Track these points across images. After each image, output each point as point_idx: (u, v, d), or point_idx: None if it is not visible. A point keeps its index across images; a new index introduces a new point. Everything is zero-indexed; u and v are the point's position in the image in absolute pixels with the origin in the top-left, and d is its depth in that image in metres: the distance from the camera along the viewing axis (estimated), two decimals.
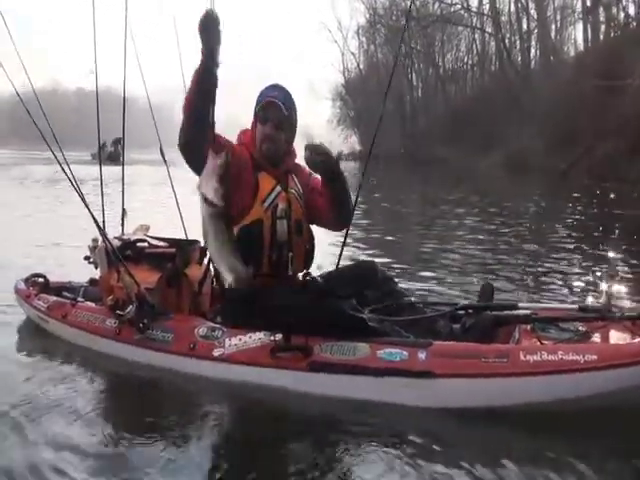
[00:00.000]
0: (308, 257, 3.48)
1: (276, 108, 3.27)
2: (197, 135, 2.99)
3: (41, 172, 22.45)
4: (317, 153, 3.14)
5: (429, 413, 2.88)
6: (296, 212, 3.37)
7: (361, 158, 49.11)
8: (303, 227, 3.42)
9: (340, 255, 3.18)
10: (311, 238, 3.49)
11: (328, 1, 71.42)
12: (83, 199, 3.70)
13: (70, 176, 3.77)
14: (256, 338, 3.17)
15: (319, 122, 62.39)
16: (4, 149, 58.43)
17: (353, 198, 3.36)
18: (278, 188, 3.33)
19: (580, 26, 35.35)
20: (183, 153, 3.05)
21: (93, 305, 3.88)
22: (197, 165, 2.96)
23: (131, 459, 2.59)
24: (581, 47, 35.56)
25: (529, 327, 3.23)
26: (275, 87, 3.38)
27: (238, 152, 3.24)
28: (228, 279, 2.91)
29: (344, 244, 3.20)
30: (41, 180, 20.05)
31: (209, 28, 2.80)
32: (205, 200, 2.79)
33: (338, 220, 3.45)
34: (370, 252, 7.64)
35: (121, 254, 3.62)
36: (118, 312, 3.51)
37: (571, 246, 8.60)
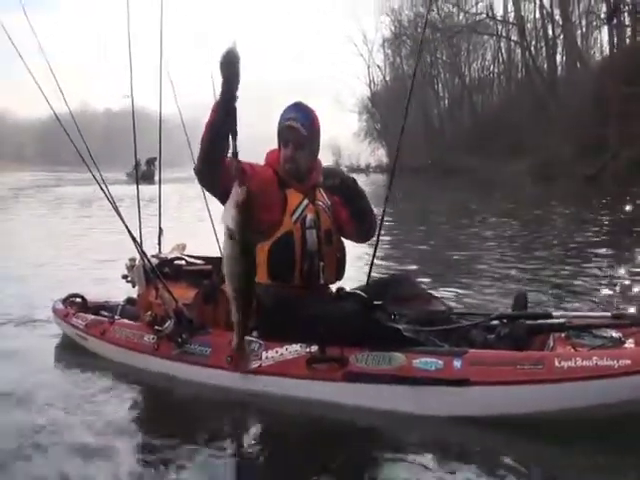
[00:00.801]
0: (339, 266, 3.53)
1: (295, 131, 3.35)
2: (211, 165, 3.08)
3: (73, 193, 22.90)
4: (332, 177, 3.24)
5: (465, 421, 2.89)
6: (325, 222, 3.43)
7: (388, 170, 49.13)
8: (333, 237, 3.47)
9: (371, 266, 3.23)
10: (341, 247, 3.55)
11: (353, 15, 70.87)
12: (122, 219, 3.79)
13: (109, 196, 3.87)
14: (292, 350, 3.21)
15: (346, 134, 62.71)
16: (34, 171, 59.53)
17: (377, 211, 3.43)
18: (306, 201, 3.40)
19: (606, 30, 35.02)
20: (198, 179, 3.16)
21: (131, 322, 3.96)
22: (212, 191, 3.16)
23: (170, 470, 2.66)
24: (607, 51, 35.22)
25: (563, 335, 3.23)
26: (295, 107, 3.44)
27: (261, 174, 3.32)
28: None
29: (374, 256, 3.25)
30: (74, 200, 20.42)
31: (230, 65, 2.82)
32: (227, 228, 2.83)
33: (360, 233, 3.55)
34: (401, 263, 7.69)
35: (159, 272, 3.70)
36: (157, 327, 3.58)
37: (602, 252, 8.53)
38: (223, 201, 2.94)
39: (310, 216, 3.37)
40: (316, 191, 3.49)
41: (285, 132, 3.39)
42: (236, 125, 2.91)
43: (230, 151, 2.94)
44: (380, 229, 3.48)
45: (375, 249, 3.29)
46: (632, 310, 3.40)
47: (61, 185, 32.61)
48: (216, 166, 3.07)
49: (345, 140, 61.21)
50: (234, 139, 2.92)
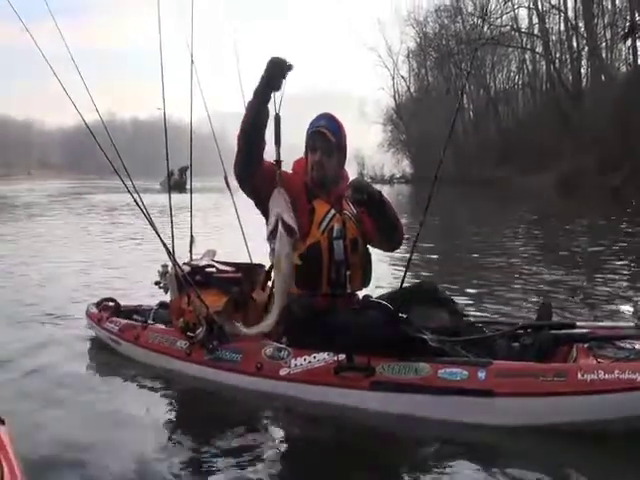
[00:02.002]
0: (365, 274, 3.60)
1: (324, 136, 3.45)
2: (250, 161, 3.27)
3: (107, 200, 23.14)
4: (360, 192, 3.30)
5: (489, 431, 2.94)
6: (351, 231, 3.50)
7: (413, 181, 49.11)
8: (359, 245, 3.54)
9: (404, 277, 3.29)
10: (367, 255, 3.62)
11: (376, 26, 71.01)
12: (154, 228, 3.89)
13: (141, 206, 3.96)
14: (320, 358, 3.28)
15: (370, 146, 62.69)
16: (61, 180, 60.21)
17: (410, 220, 3.50)
18: (332, 211, 3.48)
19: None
20: (238, 178, 3.35)
21: (163, 327, 4.06)
22: (249, 188, 3.34)
23: (199, 472, 2.74)
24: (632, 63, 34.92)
25: (586, 346, 3.26)
26: (323, 116, 3.56)
27: (291, 183, 3.39)
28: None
29: (407, 267, 3.31)
30: (107, 208, 20.68)
31: (279, 66, 3.07)
32: (290, 230, 2.97)
33: (385, 242, 3.63)
34: (427, 272, 7.71)
35: (191, 279, 3.79)
36: (189, 334, 3.68)
37: (626, 263, 8.53)
38: (255, 200, 3.32)
39: (337, 226, 3.45)
40: (342, 201, 3.56)
41: (314, 138, 3.49)
42: (280, 132, 3.13)
43: (274, 158, 3.19)
44: (416, 240, 3.44)
45: (409, 261, 3.35)
46: None
47: (93, 193, 32.99)
48: (251, 157, 3.25)
49: (369, 151, 61.17)
50: (277, 145, 3.15)
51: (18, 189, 39.00)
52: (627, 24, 31.90)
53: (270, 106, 3.15)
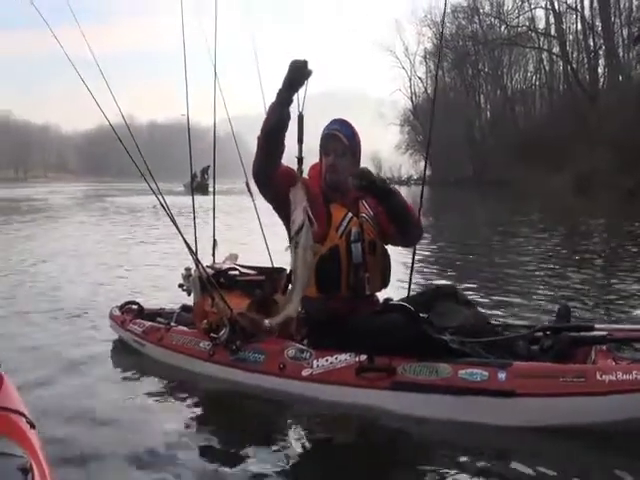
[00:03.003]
0: (384, 275, 3.64)
1: (337, 139, 3.51)
2: (269, 162, 3.34)
3: (128, 202, 23.37)
4: (360, 178, 3.36)
5: (509, 432, 2.98)
6: (369, 234, 3.55)
7: (431, 183, 49.01)
8: (377, 247, 3.58)
9: (410, 277, 3.35)
10: (386, 256, 3.66)
11: (393, 27, 70.88)
12: (179, 231, 3.96)
13: (167, 208, 4.03)
14: (342, 359, 3.33)
15: (387, 147, 62.64)
16: (79, 183, 60.72)
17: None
18: (350, 214, 3.52)
19: None
20: (256, 179, 3.42)
21: (186, 329, 4.13)
22: (268, 190, 3.41)
23: (222, 470, 2.79)
24: None
25: (605, 347, 3.30)
26: (336, 121, 3.61)
27: (308, 187, 3.42)
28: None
29: (412, 268, 3.35)
30: (129, 210, 20.89)
31: (301, 69, 3.13)
32: (312, 221, 3.07)
33: (401, 235, 3.62)
34: (445, 274, 7.76)
35: (215, 281, 3.87)
36: (212, 335, 3.74)
37: None
38: (274, 204, 3.41)
39: (355, 229, 3.50)
40: (359, 203, 3.62)
41: (327, 140, 3.54)
42: (302, 131, 3.22)
43: (296, 155, 3.28)
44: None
45: (412, 264, 3.42)
46: None
47: (115, 195, 33.27)
48: (271, 159, 3.33)
49: (386, 152, 61.14)
50: (300, 143, 3.27)
51: (41, 191, 39.46)
52: (638, 27, 31.72)
53: (291, 108, 3.23)
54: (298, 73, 3.14)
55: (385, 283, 3.67)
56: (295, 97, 3.19)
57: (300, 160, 3.27)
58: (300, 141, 3.29)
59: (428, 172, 54.82)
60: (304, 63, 3.12)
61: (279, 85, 3.19)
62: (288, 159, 3.37)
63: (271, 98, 3.25)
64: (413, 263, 3.65)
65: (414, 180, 55.52)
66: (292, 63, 3.14)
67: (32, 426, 1.99)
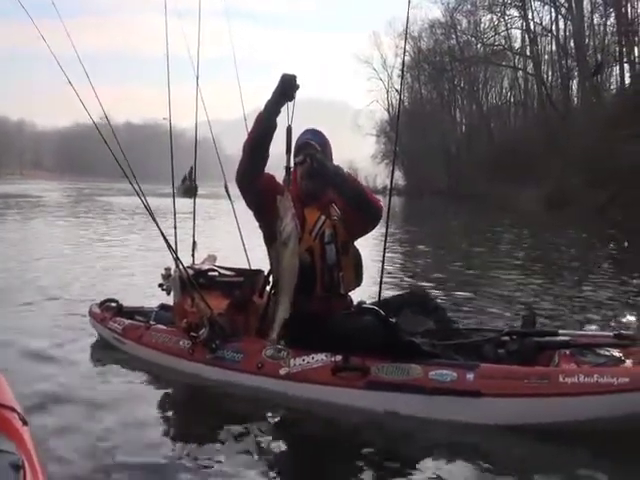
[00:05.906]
0: (357, 274, 3.80)
1: (310, 147, 3.66)
2: (254, 169, 3.52)
3: (118, 202, 23.24)
4: (302, 154, 3.60)
5: (476, 430, 3.11)
6: (341, 234, 3.71)
7: (406, 193, 49.33)
8: (349, 247, 3.76)
9: (380, 282, 3.48)
10: (358, 256, 3.82)
11: (372, 40, 71.31)
12: (162, 232, 4.09)
13: (148, 207, 4.14)
14: (318, 359, 3.45)
15: (363, 157, 62.86)
16: (55, 181, 60.10)
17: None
18: (323, 217, 3.68)
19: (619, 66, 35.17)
20: (240, 184, 3.57)
21: (166, 327, 4.20)
22: (249, 194, 3.57)
23: (199, 468, 2.84)
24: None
25: (568, 352, 3.44)
26: (308, 131, 3.79)
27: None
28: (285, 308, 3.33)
29: (382, 274, 3.51)
30: (103, 210, 20.81)
31: (291, 81, 3.34)
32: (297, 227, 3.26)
33: (361, 217, 3.71)
34: (416, 279, 7.94)
35: (195, 281, 3.96)
36: (192, 334, 3.82)
37: (607, 278, 8.77)
38: (254, 209, 3.60)
39: (328, 231, 3.66)
40: (330, 207, 3.76)
41: (301, 149, 3.67)
42: (291, 142, 3.41)
43: (284, 165, 3.46)
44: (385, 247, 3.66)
45: (382, 266, 3.57)
46: (632, 331, 3.62)
47: (100, 195, 33.01)
48: (256, 166, 3.52)
49: (363, 162, 61.38)
50: (288, 153, 3.43)
51: (26, 188, 39.04)
52: (595, 62, 32.72)
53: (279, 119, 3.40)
54: (288, 85, 3.31)
55: (358, 282, 3.82)
56: (283, 109, 3.36)
57: (288, 169, 3.44)
58: (288, 151, 3.44)
59: (402, 183, 55.32)
60: (294, 77, 3.32)
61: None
62: (277, 167, 3.51)
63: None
64: (383, 266, 3.80)
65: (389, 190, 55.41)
66: (283, 76, 3.33)
67: (25, 422, 1.98)
